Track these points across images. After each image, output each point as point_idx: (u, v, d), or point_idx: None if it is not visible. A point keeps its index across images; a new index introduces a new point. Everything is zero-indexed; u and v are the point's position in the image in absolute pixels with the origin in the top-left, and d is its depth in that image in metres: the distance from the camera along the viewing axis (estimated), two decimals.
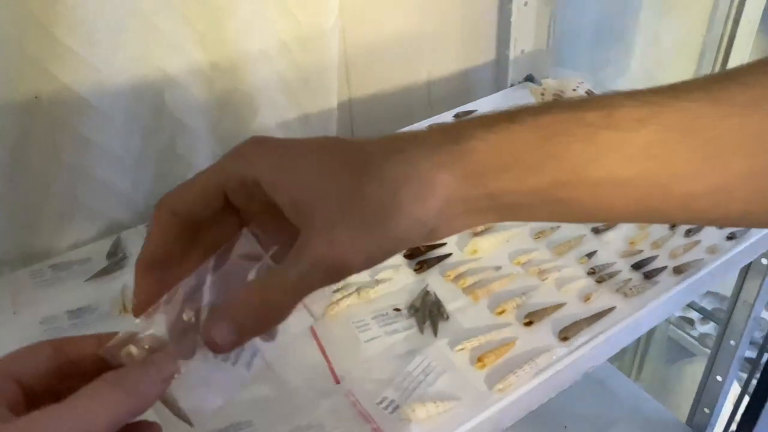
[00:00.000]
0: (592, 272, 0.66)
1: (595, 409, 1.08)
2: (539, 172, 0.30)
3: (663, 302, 0.64)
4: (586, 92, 0.88)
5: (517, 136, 0.30)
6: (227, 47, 0.72)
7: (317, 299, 0.33)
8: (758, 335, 1.19)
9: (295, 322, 0.32)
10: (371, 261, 0.30)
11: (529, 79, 1.04)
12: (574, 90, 0.88)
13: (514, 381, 0.55)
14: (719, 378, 0.97)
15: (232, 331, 0.29)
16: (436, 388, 0.54)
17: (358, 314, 0.62)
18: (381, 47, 0.90)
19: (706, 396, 1.01)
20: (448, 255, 0.69)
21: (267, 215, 0.32)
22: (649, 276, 0.66)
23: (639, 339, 1.61)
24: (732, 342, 0.92)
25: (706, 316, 1.55)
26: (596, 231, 0.73)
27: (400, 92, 0.95)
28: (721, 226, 0.70)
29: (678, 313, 1.60)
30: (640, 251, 0.70)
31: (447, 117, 0.93)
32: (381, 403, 0.53)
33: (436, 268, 0.68)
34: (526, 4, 0.97)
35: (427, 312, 0.62)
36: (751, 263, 0.82)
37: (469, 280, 0.65)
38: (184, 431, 0.32)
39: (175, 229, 0.32)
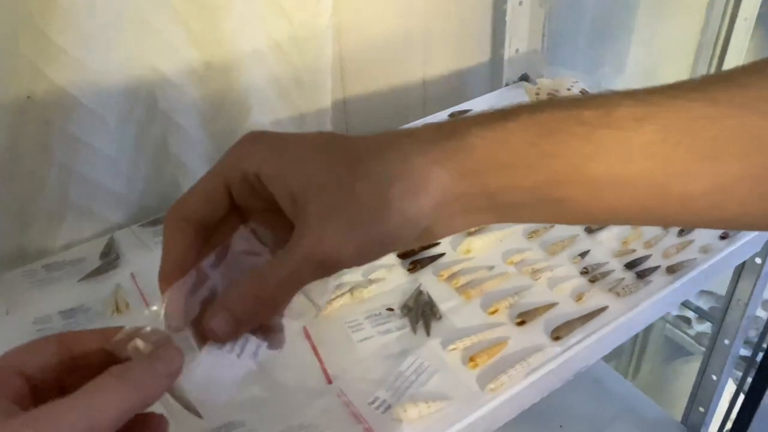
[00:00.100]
0: (585, 272, 0.66)
1: (590, 408, 1.09)
2: (536, 169, 0.30)
3: (655, 302, 0.64)
4: (581, 91, 0.88)
5: (513, 134, 0.30)
6: (221, 47, 0.72)
7: (319, 291, 0.34)
8: (753, 334, 1.19)
9: (299, 314, 0.34)
10: (362, 257, 0.30)
11: (524, 78, 1.04)
12: (569, 89, 0.88)
13: (506, 381, 0.55)
14: (714, 377, 0.97)
15: (229, 321, 0.30)
16: (428, 388, 0.54)
17: (351, 314, 0.62)
18: (376, 47, 0.90)
19: (701, 395, 1.01)
20: (442, 255, 0.69)
21: (269, 213, 0.33)
22: (641, 275, 0.66)
23: (636, 338, 1.61)
24: (726, 341, 0.92)
25: (702, 315, 1.55)
26: (589, 230, 0.73)
27: (395, 92, 0.95)
28: (719, 229, 0.70)
29: (675, 312, 1.60)
30: (633, 251, 0.70)
31: (442, 116, 0.93)
32: (373, 403, 0.53)
33: (430, 268, 0.68)
34: (520, 3, 0.97)
35: (420, 312, 0.62)
36: (744, 263, 0.83)
37: (462, 280, 0.65)
38: (189, 425, 0.32)
39: (188, 237, 0.32)
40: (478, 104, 0.97)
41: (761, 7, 1.30)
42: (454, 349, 0.58)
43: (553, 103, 0.31)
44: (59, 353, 0.29)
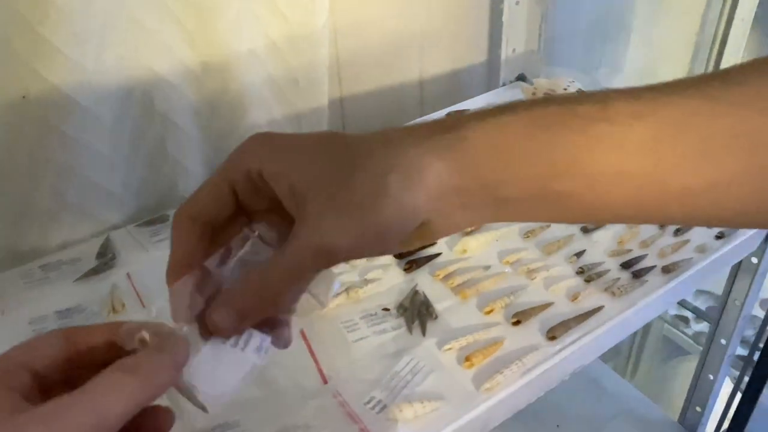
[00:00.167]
0: (580, 271, 0.66)
1: (587, 408, 1.09)
2: (533, 161, 0.30)
3: (651, 302, 0.64)
4: (577, 91, 0.88)
5: (509, 127, 0.30)
6: (217, 47, 0.72)
7: (325, 290, 0.34)
8: (750, 333, 1.19)
9: (304, 312, 0.34)
10: (360, 247, 0.30)
11: (521, 78, 1.04)
12: (565, 89, 0.88)
13: (502, 381, 0.55)
14: (711, 377, 0.97)
15: (232, 314, 0.31)
16: (423, 387, 0.54)
17: (347, 314, 0.62)
18: (372, 47, 0.90)
19: (698, 394, 1.01)
20: (438, 254, 0.69)
21: (273, 214, 0.33)
22: (637, 275, 0.66)
23: (634, 337, 1.62)
24: (723, 341, 0.92)
25: (699, 315, 1.55)
26: (585, 230, 0.73)
27: (391, 91, 0.95)
28: (719, 227, 0.70)
29: (673, 312, 1.60)
30: (629, 250, 0.70)
31: (439, 116, 0.93)
32: (368, 403, 0.53)
33: (426, 268, 0.68)
34: (517, 3, 0.97)
35: (416, 312, 0.62)
36: (741, 262, 0.83)
37: (458, 280, 0.65)
38: (185, 424, 0.32)
39: (195, 235, 0.33)
40: (475, 104, 0.97)
41: (758, 7, 1.30)
42: (450, 348, 0.58)
43: (549, 99, 0.31)
44: (65, 348, 0.30)
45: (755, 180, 0.29)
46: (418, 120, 0.90)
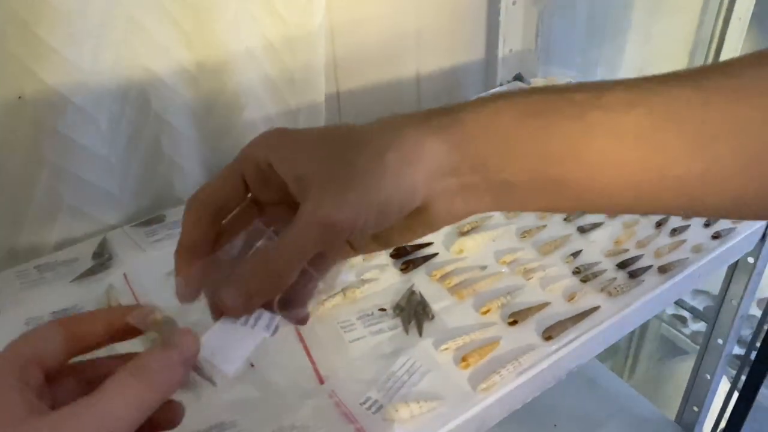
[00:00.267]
0: (577, 272, 0.66)
1: (585, 407, 1.09)
2: (529, 145, 0.31)
3: (647, 302, 0.64)
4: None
5: (506, 112, 0.31)
6: (213, 47, 0.72)
7: (332, 273, 0.36)
8: (747, 333, 1.19)
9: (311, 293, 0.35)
10: (360, 219, 0.31)
11: (518, 78, 1.04)
12: None
13: (498, 381, 0.55)
14: (707, 376, 0.97)
15: (240, 294, 0.31)
16: (420, 388, 0.54)
17: (344, 314, 0.62)
18: (369, 47, 0.90)
19: (695, 394, 1.01)
20: (434, 255, 0.69)
21: (283, 207, 0.34)
22: (634, 275, 0.66)
23: (631, 337, 1.62)
24: (719, 340, 0.92)
25: (696, 314, 1.55)
26: (582, 230, 0.73)
27: (388, 91, 0.95)
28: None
29: (670, 311, 1.60)
30: (626, 250, 0.70)
31: None
32: (365, 403, 0.53)
33: (422, 268, 0.68)
34: (514, 3, 0.97)
35: (413, 312, 0.62)
36: (737, 262, 0.83)
37: (455, 280, 0.65)
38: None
39: (205, 220, 0.34)
40: None
41: (755, 6, 1.30)
42: (446, 349, 0.58)
43: (547, 88, 0.32)
44: (65, 338, 0.30)
45: (747, 170, 0.29)
46: None
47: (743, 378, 1.00)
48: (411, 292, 0.64)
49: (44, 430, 0.25)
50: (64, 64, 0.62)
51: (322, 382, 0.55)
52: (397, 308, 0.63)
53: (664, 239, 0.71)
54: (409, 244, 0.71)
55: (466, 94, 1.02)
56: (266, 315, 0.33)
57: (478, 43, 1.02)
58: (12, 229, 0.70)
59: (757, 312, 1.39)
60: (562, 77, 0.92)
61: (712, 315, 0.92)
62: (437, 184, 0.32)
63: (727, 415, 1.05)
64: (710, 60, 1.39)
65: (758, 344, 0.96)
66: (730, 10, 1.33)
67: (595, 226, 0.73)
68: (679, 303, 1.54)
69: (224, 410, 0.53)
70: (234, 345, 0.32)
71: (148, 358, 0.28)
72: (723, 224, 0.74)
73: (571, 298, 0.63)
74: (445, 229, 0.74)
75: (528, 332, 0.60)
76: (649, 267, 0.67)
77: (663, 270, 0.66)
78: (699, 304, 1.57)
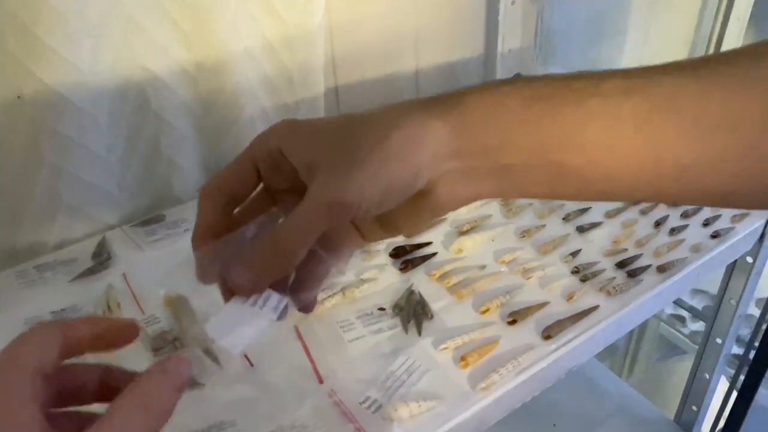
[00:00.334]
0: (576, 271, 0.66)
1: (584, 407, 1.09)
2: (530, 130, 0.31)
3: (646, 301, 0.64)
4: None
5: (507, 96, 0.32)
6: (212, 47, 0.72)
7: (342, 255, 0.37)
8: (746, 332, 1.19)
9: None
10: (365, 198, 0.31)
11: (517, 76, 1.04)
12: None
13: (497, 380, 0.55)
14: (706, 376, 0.97)
15: (249, 274, 0.32)
16: (419, 387, 0.54)
17: (343, 314, 0.62)
18: (368, 46, 0.90)
19: (694, 393, 1.01)
20: (434, 254, 0.69)
21: (294, 195, 0.35)
22: (632, 275, 0.66)
23: (630, 337, 1.62)
24: (718, 340, 0.92)
25: (695, 314, 1.55)
26: (581, 230, 0.73)
27: (387, 90, 0.95)
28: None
29: (669, 311, 1.60)
30: (624, 250, 0.70)
31: None
32: (364, 402, 0.53)
33: (421, 268, 0.68)
34: (513, 2, 0.97)
35: (412, 311, 0.62)
36: (736, 261, 0.83)
37: (454, 279, 0.65)
38: (182, 423, 0.33)
39: (219, 205, 0.35)
40: None
41: (754, 6, 1.31)
42: (446, 348, 0.58)
43: (548, 76, 0.33)
44: (62, 345, 0.30)
45: (742, 158, 0.30)
46: None
47: (742, 377, 1.00)
48: (410, 292, 0.64)
49: None
50: (63, 64, 0.62)
51: (321, 381, 0.55)
52: (397, 308, 0.63)
53: (662, 239, 0.72)
54: (409, 243, 0.71)
55: None
56: (275, 296, 0.34)
57: (477, 42, 1.03)
58: (11, 228, 0.70)
59: (756, 311, 1.39)
60: None
61: (711, 314, 0.92)
62: (441, 167, 0.32)
63: (725, 414, 1.05)
64: None
65: (757, 344, 0.96)
66: (728, 10, 1.33)
67: (594, 225, 0.74)
68: (678, 302, 1.55)
69: (223, 409, 0.53)
70: (240, 325, 0.33)
71: (147, 385, 0.29)
72: (722, 224, 0.74)
73: (570, 297, 0.63)
74: (444, 229, 0.74)
75: (527, 332, 0.60)
76: (648, 266, 0.67)
77: (662, 269, 0.66)
78: (698, 303, 1.57)
